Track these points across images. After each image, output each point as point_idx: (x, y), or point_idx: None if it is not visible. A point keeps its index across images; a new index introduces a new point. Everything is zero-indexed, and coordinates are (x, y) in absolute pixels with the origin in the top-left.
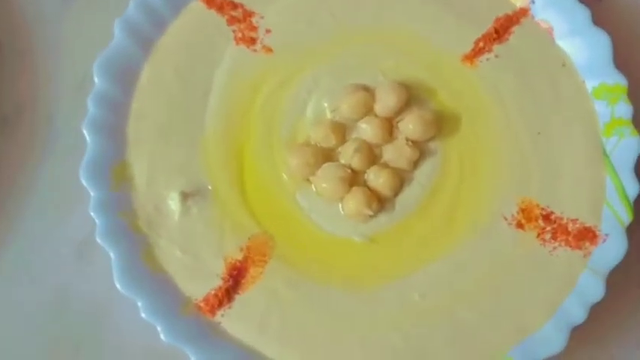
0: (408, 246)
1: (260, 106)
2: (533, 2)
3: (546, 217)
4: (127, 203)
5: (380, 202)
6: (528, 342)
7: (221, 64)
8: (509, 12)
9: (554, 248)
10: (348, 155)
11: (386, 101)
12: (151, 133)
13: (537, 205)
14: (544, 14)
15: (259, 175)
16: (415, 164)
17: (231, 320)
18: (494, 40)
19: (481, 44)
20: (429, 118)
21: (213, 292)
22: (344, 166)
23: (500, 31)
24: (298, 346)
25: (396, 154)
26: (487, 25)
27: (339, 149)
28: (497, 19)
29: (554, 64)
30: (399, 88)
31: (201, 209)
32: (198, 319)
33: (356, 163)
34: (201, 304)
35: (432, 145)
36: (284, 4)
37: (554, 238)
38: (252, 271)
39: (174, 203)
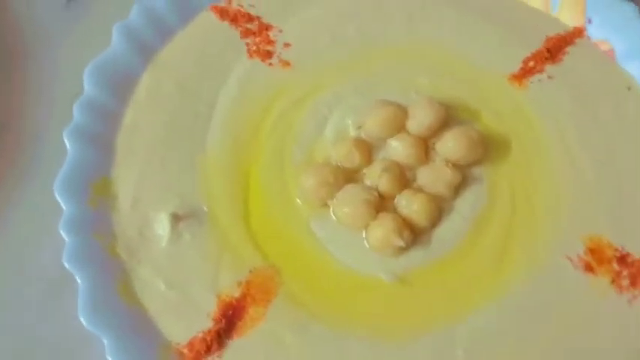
0: (447, 289)
1: (272, 124)
2: (590, 22)
3: (622, 260)
4: (105, 224)
5: (413, 234)
6: None
7: (230, 78)
8: (562, 32)
9: (634, 297)
10: (375, 176)
11: (421, 118)
12: (144, 149)
13: (609, 245)
14: (603, 34)
15: (267, 199)
16: (456, 191)
17: None
18: (545, 59)
19: (531, 64)
20: (473, 136)
21: (200, 335)
22: (370, 188)
23: (553, 50)
24: None
25: (432, 177)
26: (536, 44)
27: (365, 170)
28: (549, 39)
29: (617, 86)
30: (436, 104)
31: (195, 236)
32: None
33: (384, 185)
34: (184, 350)
35: (476, 170)
36: (306, 17)
37: (633, 284)
38: (252, 311)
39: (162, 226)
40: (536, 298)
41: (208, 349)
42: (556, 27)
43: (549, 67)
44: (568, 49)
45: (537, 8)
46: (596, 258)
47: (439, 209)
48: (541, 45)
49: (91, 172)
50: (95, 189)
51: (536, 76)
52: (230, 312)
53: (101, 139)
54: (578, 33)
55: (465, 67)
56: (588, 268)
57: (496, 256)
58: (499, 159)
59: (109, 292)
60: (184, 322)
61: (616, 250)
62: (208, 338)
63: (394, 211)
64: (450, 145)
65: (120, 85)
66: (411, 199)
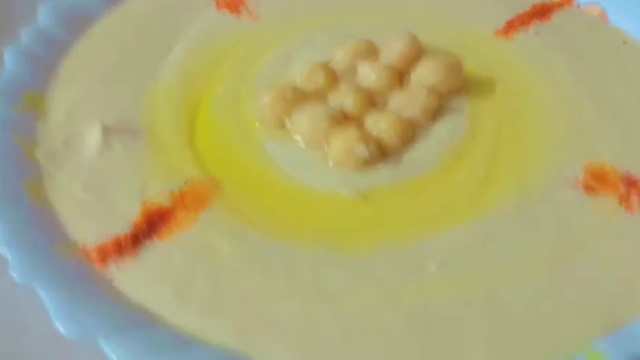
0: (418, 208)
1: (233, 63)
2: None
3: (628, 181)
4: (29, 129)
5: (382, 153)
6: (620, 335)
7: (193, 24)
8: (547, 1)
9: None
10: (340, 96)
11: (394, 46)
12: (88, 75)
13: (613, 170)
14: (593, 0)
15: (217, 123)
16: (433, 118)
17: (131, 276)
18: (532, 17)
19: (516, 22)
20: (450, 61)
21: (114, 238)
22: (334, 107)
23: (540, 13)
24: (234, 318)
25: (406, 100)
26: (520, 9)
27: (330, 96)
28: (535, 5)
29: (612, 41)
30: (411, 36)
31: (128, 149)
32: (76, 264)
33: (350, 104)
34: (91, 252)
35: (456, 101)
36: None
37: None
38: (181, 217)
39: (92, 137)
40: (527, 216)
41: (120, 250)
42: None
43: (536, 25)
44: (556, 12)
45: None
46: (598, 180)
47: (412, 131)
48: (527, 9)
49: (26, 85)
50: (27, 99)
51: (522, 32)
52: (155, 217)
53: (43, 62)
54: (566, 1)
55: (447, 24)
56: (589, 188)
57: (478, 178)
58: (482, 95)
59: (13, 185)
60: (97, 224)
61: (621, 174)
62: (122, 240)
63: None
64: (425, 70)
65: (75, 21)
66: (379, 118)
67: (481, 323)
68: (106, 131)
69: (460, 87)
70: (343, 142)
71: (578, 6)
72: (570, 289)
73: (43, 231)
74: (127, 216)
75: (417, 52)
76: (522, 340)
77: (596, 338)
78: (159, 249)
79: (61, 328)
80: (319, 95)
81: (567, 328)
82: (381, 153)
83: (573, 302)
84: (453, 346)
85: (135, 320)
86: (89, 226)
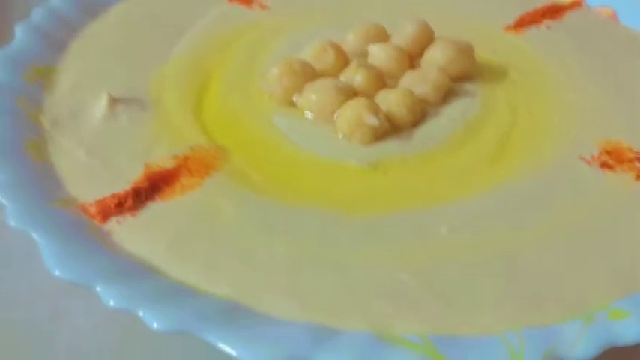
0: (429, 178)
1: (246, 44)
2: None
3: None
4: (35, 96)
5: (393, 128)
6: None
7: (207, 15)
8: (558, 3)
9: None
10: (350, 73)
11: (405, 30)
12: (98, 53)
13: (629, 149)
14: (604, 2)
15: (225, 95)
16: (445, 98)
17: (130, 230)
18: (543, 15)
19: (527, 18)
20: (461, 44)
21: (114, 195)
22: (343, 82)
23: (551, 12)
24: (235, 271)
25: (417, 78)
26: (531, 8)
27: (340, 74)
28: (544, 6)
29: (624, 38)
30: (423, 21)
31: (134, 118)
32: (74, 216)
33: (361, 81)
34: (89, 207)
35: (469, 85)
36: None
37: None
38: (185, 180)
39: (99, 107)
40: (542, 186)
41: (120, 206)
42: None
43: (547, 22)
44: (567, 12)
45: None
46: (614, 157)
47: (423, 108)
48: (537, 8)
49: (35, 58)
50: (35, 70)
51: (534, 27)
52: (156, 178)
53: (54, 39)
54: (576, 3)
55: (457, 17)
56: (606, 166)
57: (491, 152)
58: (494, 80)
59: (15, 143)
60: (98, 184)
61: (637, 152)
62: (122, 197)
63: None
64: (437, 51)
65: (88, 4)
66: (389, 94)
67: (494, 280)
68: (113, 101)
69: (472, 72)
70: (352, 111)
71: (588, 7)
72: (588, 252)
73: (41, 186)
74: (129, 177)
75: (429, 37)
76: (538, 298)
77: (616, 299)
78: (161, 208)
79: (54, 271)
80: (329, 74)
81: (586, 288)
82: (392, 128)
83: (591, 264)
84: (465, 301)
85: (132, 269)
86: (90, 185)
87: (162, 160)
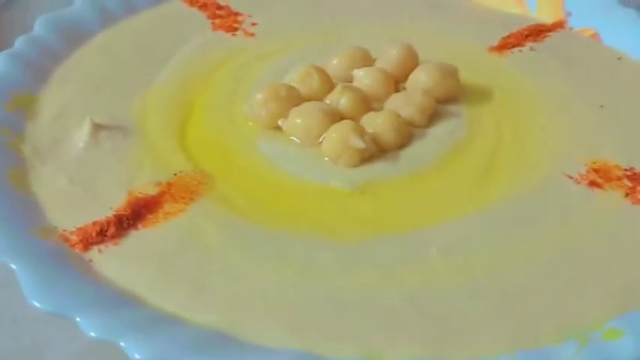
0: (417, 200)
1: (229, 72)
2: (570, 14)
3: (634, 177)
4: (16, 126)
5: (379, 149)
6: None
7: (190, 42)
8: (540, 23)
9: None
10: (335, 96)
11: (390, 55)
12: (81, 80)
13: (617, 166)
14: (585, 23)
15: (209, 121)
16: (430, 120)
17: (112, 258)
18: (526, 37)
19: (510, 40)
20: (446, 66)
21: (96, 222)
22: (329, 105)
23: (534, 33)
24: (221, 298)
25: (403, 101)
26: (515, 28)
27: (325, 98)
28: (528, 27)
29: (607, 57)
30: (407, 45)
31: (117, 144)
32: (54, 245)
33: (346, 104)
34: (70, 235)
35: (454, 107)
36: (277, 8)
37: None
38: (168, 207)
39: (81, 134)
40: (530, 205)
41: (102, 234)
42: (535, 22)
43: (531, 44)
44: (550, 34)
45: (515, 13)
46: (602, 175)
47: (409, 130)
48: (520, 28)
49: (16, 86)
50: (16, 99)
51: (517, 49)
52: (140, 205)
53: (36, 66)
54: (559, 24)
55: (440, 41)
56: (594, 184)
57: (479, 172)
58: (480, 101)
59: None
60: (80, 211)
61: (625, 170)
62: (105, 224)
63: None
64: (421, 73)
65: (71, 34)
66: (375, 117)
67: (486, 302)
68: (96, 128)
69: (457, 94)
70: (338, 134)
71: (571, 29)
72: (580, 270)
73: (21, 215)
74: (111, 204)
75: (413, 60)
76: (532, 320)
77: (611, 319)
78: (144, 235)
79: (33, 302)
80: (314, 98)
81: (580, 309)
82: (378, 150)
83: (584, 284)
84: (457, 324)
85: (114, 298)
86: (71, 213)
87: (146, 186)
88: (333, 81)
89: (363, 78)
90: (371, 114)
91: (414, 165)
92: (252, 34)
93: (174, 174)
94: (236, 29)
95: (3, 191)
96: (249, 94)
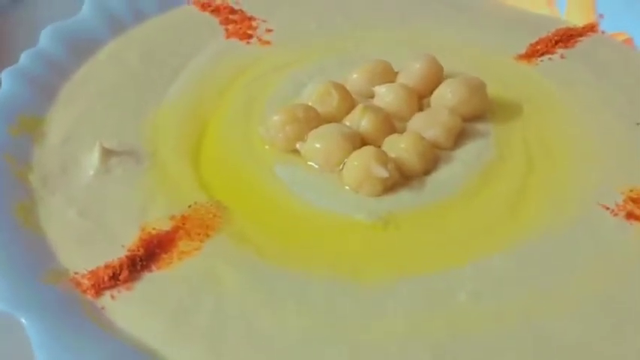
0: (444, 234)
1: (243, 85)
2: (602, 17)
3: None
4: (22, 152)
5: (403, 177)
6: None
7: (202, 52)
8: (572, 26)
9: None
10: (356, 117)
11: (412, 68)
12: (89, 98)
13: None
14: (618, 26)
15: (224, 144)
16: (457, 142)
17: (125, 306)
18: (556, 43)
19: (539, 47)
20: (473, 82)
21: (108, 265)
22: (349, 127)
23: (564, 39)
24: (240, 354)
25: (427, 121)
26: (543, 33)
27: (345, 118)
28: (558, 30)
29: None
30: (431, 57)
31: (129, 171)
32: (65, 292)
33: (367, 126)
34: (82, 279)
35: (481, 125)
36: (292, 11)
37: None
38: (183, 245)
39: (91, 160)
40: (563, 241)
41: (115, 278)
42: (565, 24)
43: (561, 50)
44: (581, 38)
45: (543, 14)
46: None
47: (434, 154)
48: (549, 33)
49: (22, 107)
50: (22, 122)
51: (546, 56)
52: (153, 243)
53: (42, 84)
54: (590, 28)
55: (465, 49)
56: (632, 216)
57: (509, 203)
58: (508, 118)
59: (2, 208)
60: (91, 250)
61: None
62: (117, 266)
63: None
64: (447, 90)
65: (78, 45)
66: (398, 140)
67: (521, 354)
68: (106, 154)
69: (484, 111)
70: (360, 162)
71: (603, 32)
72: (622, 320)
73: (30, 257)
74: (123, 241)
75: (438, 74)
76: None
77: None
78: (157, 279)
79: None
80: (333, 118)
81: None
82: (402, 177)
83: (627, 334)
84: None
85: (127, 354)
86: (81, 252)
87: (159, 221)
88: (353, 97)
89: (385, 95)
90: (394, 137)
91: (439, 193)
92: (268, 42)
93: (189, 206)
94: (250, 37)
95: (11, 231)
96: (266, 114)
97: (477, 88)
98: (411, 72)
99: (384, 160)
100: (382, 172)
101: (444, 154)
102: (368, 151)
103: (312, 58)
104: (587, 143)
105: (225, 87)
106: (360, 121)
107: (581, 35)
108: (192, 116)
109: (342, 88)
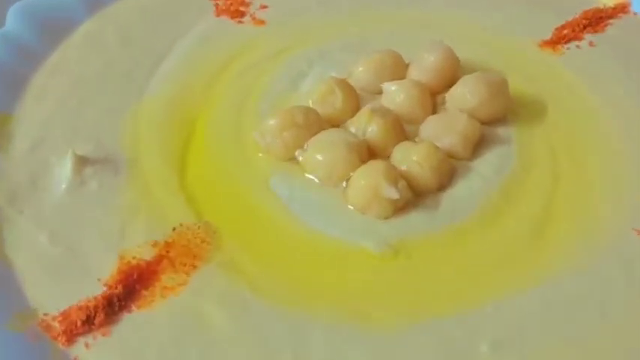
0: (460, 266)
1: (235, 75)
2: None
3: None
4: None
5: (414, 194)
6: None
7: (189, 33)
8: (601, 7)
9: None
10: (363, 122)
11: (426, 62)
12: (61, 90)
13: None
14: None
15: (213, 151)
16: (475, 151)
17: (102, 357)
18: (584, 27)
19: (565, 32)
20: (494, 80)
21: (82, 305)
22: (355, 134)
23: (593, 21)
24: None
25: (442, 126)
26: (570, 15)
27: (349, 122)
28: (586, 12)
29: None
30: (446, 47)
31: (104, 185)
32: (37, 342)
33: (375, 132)
34: (52, 322)
35: (502, 130)
36: None
37: None
38: (166, 279)
39: (63, 171)
40: (595, 280)
41: (89, 322)
42: (594, 4)
43: (590, 36)
44: (611, 21)
45: None
46: None
47: (450, 167)
48: (577, 15)
49: None
50: None
51: (573, 43)
52: (132, 277)
53: (9, 74)
54: (621, 8)
55: (485, 33)
56: None
57: (533, 228)
58: (532, 120)
59: None
60: (63, 284)
61: None
62: (91, 307)
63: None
64: (464, 89)
65: (51, 27)
66: (410, 149)
67: None
68: (80, 163)
69: (506, 112)
70: (367, 181)
71: (635, 14)
72: None
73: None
74: (99, 273)
75: (453, 68)
76: None
77: None
78: (137, 321)
79: None
80: (337, 119)
81: None
82: (414, 194)
83: None
84: None
85: None
86: (52, 286)
87: (140, 248)
88: (359, 94)
89: (396, 95)
90: (405, 145)
91: (455, 216)
92: (262, 22)
93: (174, 228)
94: (243, 14)
95: None
96: (260, 112)
97: (499, 87)
98: (424, 65)
99: (394, 177)
100: (393, 194)
101: (461, 165)
102: (376, 167)
103: (312, 41)
104: (617, 153)
105: (215, 77)
106: (367, 127)
107: (611, 17)
108: (178, 113)
109: (346, 86)
